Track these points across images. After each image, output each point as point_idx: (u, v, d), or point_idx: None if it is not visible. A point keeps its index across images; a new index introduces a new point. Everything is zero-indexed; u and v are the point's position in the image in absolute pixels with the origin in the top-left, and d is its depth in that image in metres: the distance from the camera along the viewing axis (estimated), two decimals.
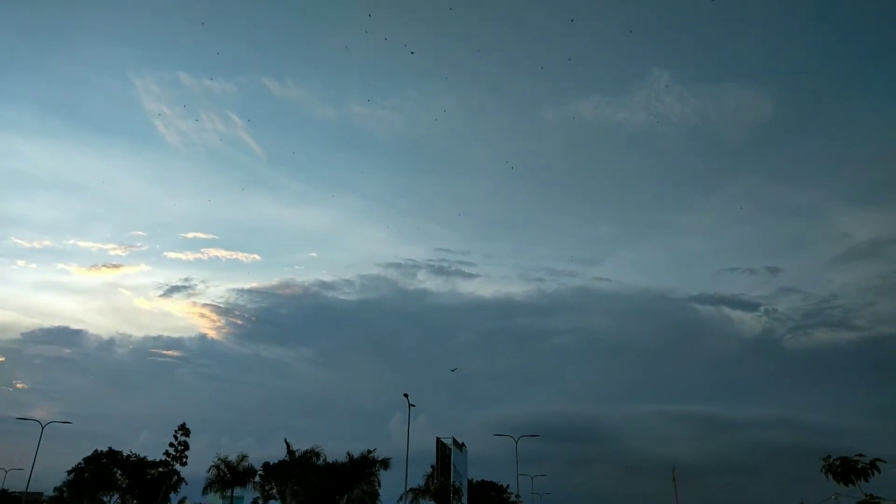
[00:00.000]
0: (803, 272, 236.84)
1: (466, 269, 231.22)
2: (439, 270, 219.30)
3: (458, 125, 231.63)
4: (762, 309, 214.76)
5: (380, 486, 68.57)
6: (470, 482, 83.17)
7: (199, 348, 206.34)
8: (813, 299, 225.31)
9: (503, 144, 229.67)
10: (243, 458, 69.10)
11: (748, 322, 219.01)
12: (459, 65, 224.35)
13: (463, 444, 77.11)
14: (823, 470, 13.20)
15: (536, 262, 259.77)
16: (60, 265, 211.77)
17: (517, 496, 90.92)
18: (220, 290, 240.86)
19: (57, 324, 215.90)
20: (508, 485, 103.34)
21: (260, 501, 75.95)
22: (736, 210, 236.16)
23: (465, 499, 76.09)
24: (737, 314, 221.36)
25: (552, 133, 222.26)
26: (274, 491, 79.33)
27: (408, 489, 66.21)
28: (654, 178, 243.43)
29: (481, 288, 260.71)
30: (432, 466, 72.64)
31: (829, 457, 13.13)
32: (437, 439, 72.66)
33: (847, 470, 12.67)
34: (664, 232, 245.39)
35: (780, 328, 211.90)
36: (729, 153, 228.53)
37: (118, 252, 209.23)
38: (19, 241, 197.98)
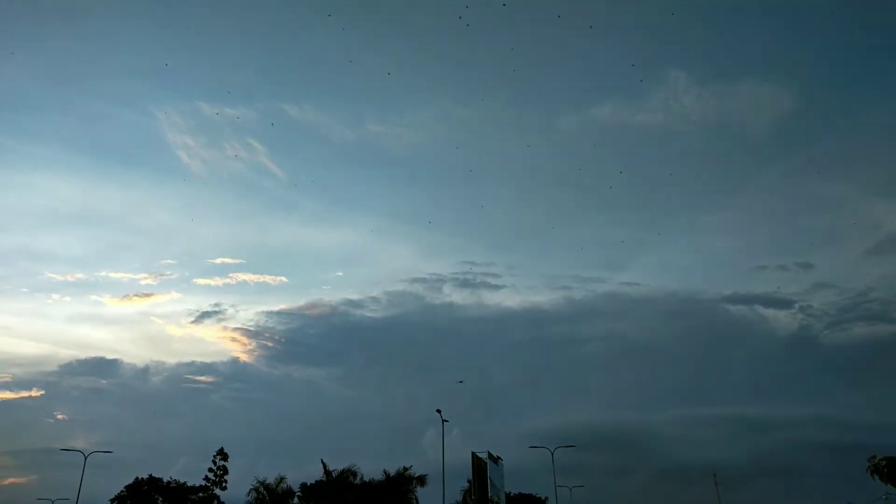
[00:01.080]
0: (837, 266, 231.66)
1: (492, 281, 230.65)
2: (465, 283, 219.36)
3: (475, 137, 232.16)
4: (797, 306, 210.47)
5: (417, 502, 68.63)
6: (508, 495, 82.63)
7: (232, 372, 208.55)
8: (848, 293, 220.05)
9: (522, 153, 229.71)
10: (281, 479, 69.66)
11: (783, 320, 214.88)
12: (474, 77, 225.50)
13: (499, 458, 76.73)
14: (869, 470, 13.18)
15: (562, 270, 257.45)
16: (93, 297, 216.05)
17: None
18: (249, 313, 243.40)
19: (93, 354, 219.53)
20: (546, 497, 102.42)
21: None
22: (763, 207, 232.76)
23: None
24: (770, 312, 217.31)
25: (571, 139, 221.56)
26: None
27: None
28: (676, 179, 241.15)
29: (508, 299, 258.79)
30: (469, 481, 72.41)
31: (875, 457, 13.10)
32: (473, 454, 72.44)
33: (894, 470, 12.63)
34: (691, 233, 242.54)
35: (817, 325, 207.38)
36: (752, 150, 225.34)
37: (148, 281, 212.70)
38: (52, 275, 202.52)
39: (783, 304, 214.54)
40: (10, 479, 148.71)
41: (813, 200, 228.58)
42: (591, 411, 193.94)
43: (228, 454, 73.22)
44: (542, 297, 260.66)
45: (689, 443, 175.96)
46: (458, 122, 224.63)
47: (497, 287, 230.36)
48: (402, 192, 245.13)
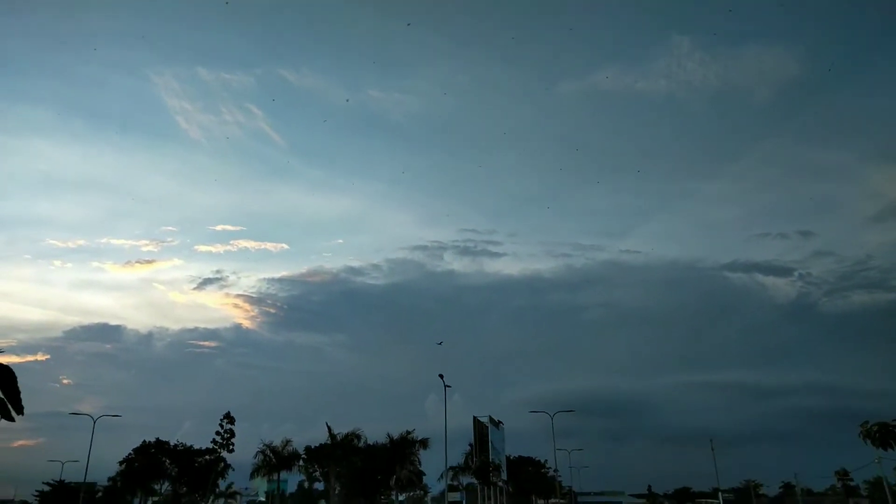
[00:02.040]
0: (837, 234, 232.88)
1: (493, 249, 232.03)
2: (465, 251, 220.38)
3: (474, 103, 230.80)
4: (796, 273, 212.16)
5: (420, 465, 70.20)
6: (508, 458, 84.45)
7: (235, 338, 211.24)
8: (848, 261, 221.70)
9: (521, 120, 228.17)
10: (287, 442, 71.21)
11: (782, 288, 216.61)
12: (473, 42, 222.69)
13: (500, 422, 78.25)
14: (861, 435, 13.71)
15: (562, 238, 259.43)
16: (95, 263, 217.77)
17: (555, 470, 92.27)
18: (251, 280, 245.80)
19: (96, 320, 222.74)
20: (546, 460, 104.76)
21: (306, 484, 78.30)
22: (764, 175, 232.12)
23: (504, 475, 77.41)
24: (770, 280, 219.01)
25: (571, 106, 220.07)
26: (318, 473, 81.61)
27: (448, 467, 67.67)
28: (678, 146, 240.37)
29: (508, 266, 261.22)
30: (470, 445, 73.96)
31: (867, 422, 13.62)
32: (474, 418, 73.86)
33: (885, 435, 13.16)
34: (691, 201, 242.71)
35: (816, 292, 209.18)
36: (754, 116, 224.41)
37: (150, 248, 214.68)
38: (54, 241, 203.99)
39: (783, 271, 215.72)
40: (20, 442, 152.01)
41: (814, 168, 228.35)
42: (590, 377, 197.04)
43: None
44: (543, 265, 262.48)
45: (687, 409, 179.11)
46: (457, 88, 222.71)
47: (498, 255, 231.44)
48: (403, 158, 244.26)
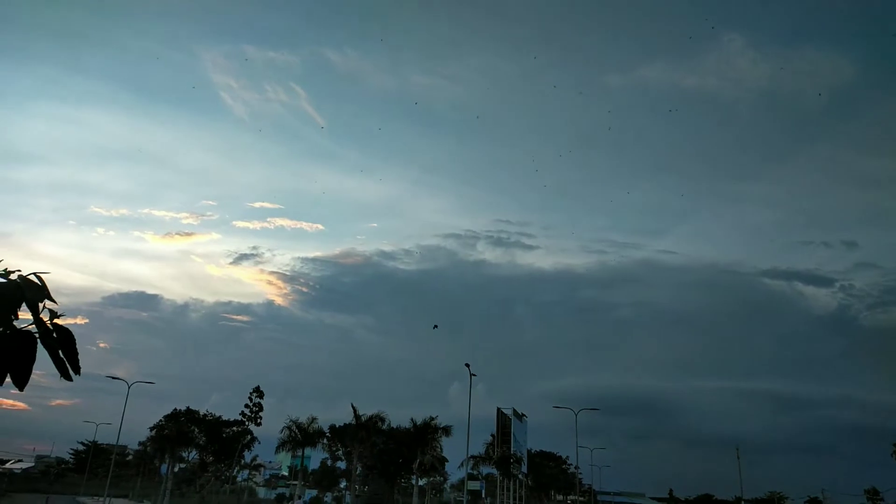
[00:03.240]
0: (882, 246, 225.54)
1: (526, 241, 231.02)
2: (498, 242, 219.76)
3: (518, 94, 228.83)
4: (837, 284, 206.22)
5: (441, 451, 70.83)
6: (529, 452, 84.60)
7: (267, 314, 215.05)
8: (892, 275, 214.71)
9: (564, 112, 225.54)
10: (313, 420, 72.42)
11: (822, 298, 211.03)
12: (520, 32, 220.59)
13: (523, 415, 78.34)
14: (894, 455, 13.43)
15: (598, 234, 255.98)
16: (136, 233, 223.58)
17: (576, 467, 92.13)
18: (285, 258, 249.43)
19: (134, 288, 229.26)
20: (567, 456, 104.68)
21: (328, 462, 79.71)
22: (810, 180, 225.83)
23: (524, 467, 77.61)
24: (810, 290, 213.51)
25: (616, 100, 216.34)
26: (340, 452, 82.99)
27: (469, 456, 68.13)
28: (723, 145, 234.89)
29: (541, 260, 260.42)
30: (492, 435, 74.25)
31: None
32: (498, 409, 74.07)
33: None
34: (733, 203, 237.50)
35: (857, 305, 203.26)
36: (804, 119, 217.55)
37: (189, 221, 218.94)
38: (98, 209, 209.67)
39: (824, 281, 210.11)
40: (58, 401, 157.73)
41: (862, 176, 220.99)
42: (618, 376, 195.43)
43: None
44: (576, 260, 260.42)
45: (714, 414, 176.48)
46: (501, 76, 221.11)
47: (531, 247, 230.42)
48: (441, 146, 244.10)
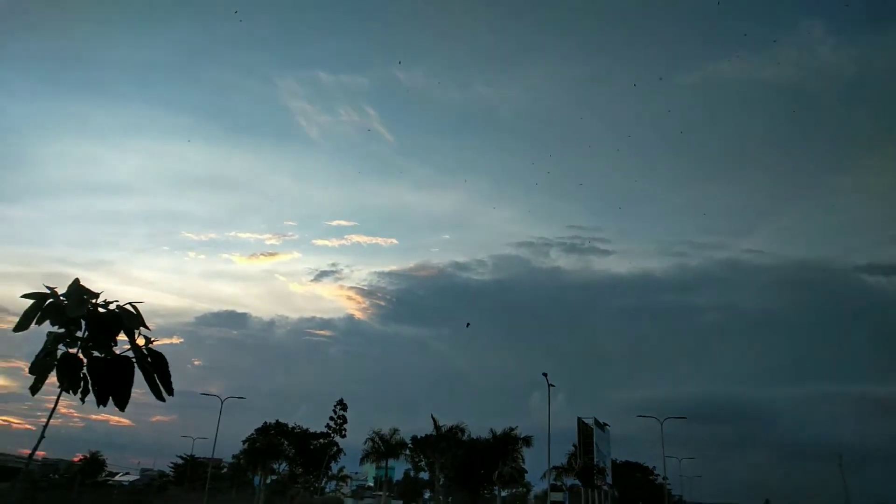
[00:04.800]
0: None
1: (601, 246, 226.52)
2: (572, 248, 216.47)
3: (585, 97, 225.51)
4: None
5: (523, 462, 70.42)
6: (614, 462, 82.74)
7: (348, 328, 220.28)
8: None
9: (633, 114, 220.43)
10: (395, 431, 73.71)
11: None
12: (584, 34, 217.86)
13: (605, 424, 76.85)
14: None
15: (676, 236, 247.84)
16: (224, 255, 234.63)
17: (664, 478, 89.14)
18: (363, 273, 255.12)
19: (224, 308, 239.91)
20: (654, 466, 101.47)
21: (411, 473, 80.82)
22: None
23: (609, 478, 75.96)
24: None
25: (688, 97, 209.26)
26: (423, 463, 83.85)
27: (551, 467, 67.39)
28: (807, 137, 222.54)
29: (617, 264, 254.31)
30: (574, 445, 73.20)
31: None
32: (579, 419, 73.03)
33: None
34: (822, 196, 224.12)
35: None
36: (894, 105, 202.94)
37: (272, 241, 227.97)
38: (188, 234, 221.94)
39: None
40: (157, 417, 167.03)
41: None
42: (704, 383, 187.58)
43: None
44: (654, 264, 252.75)
45: (812, 421, 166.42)
46: (568, 80, 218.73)
47: (606, 252, 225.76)
48: (510, 155, 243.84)
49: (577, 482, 77.15)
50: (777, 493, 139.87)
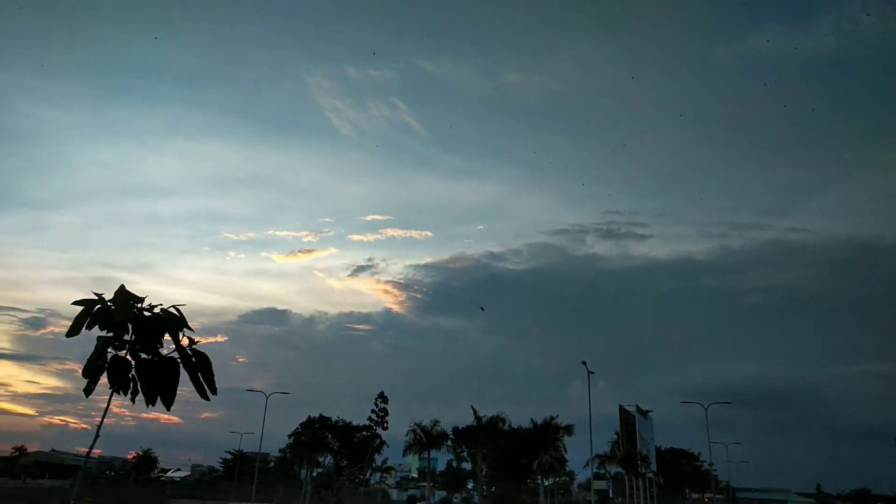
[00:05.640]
0: None
1: (638, 231, 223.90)
2: (608, 234, 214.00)
3: (617, 78, 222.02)
4: None
5: (565, 451, 70.25)
6: (658, 449, 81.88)
7: (386, 321, 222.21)
8: None
9: (668, 93, 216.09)
10: (436, 423, 74.29)
11: None
12: (613, 14, 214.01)
13: (648, 411, 76.11)
14: None
15: (717, 217, 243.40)
16: (263, 254, 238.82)
17: (710, 464, 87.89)
18: (399, 266, 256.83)
19: (266, 305, 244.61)
20: (700, 452, 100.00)
21: (454, 463, 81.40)
22: None
23: (653, 466, 75.26)
24: None
25: (724, 73, 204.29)
26: (465, 454, 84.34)
27: (594, 455, 67.10)
28: (851, 110, 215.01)
29: (656, 249, 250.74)
30: (616, 433, 72.68)
31: None
32: (620, 407, 72.47)
33: None
34: (868, 171, 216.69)
35: None
36: None
37: (309, 238, 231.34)
38: (228, 234, 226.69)
39: None
40: (206, 414, 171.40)
41: None
42: (750, 366, 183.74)
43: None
44: (695, 247, 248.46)
45: (863, 401, 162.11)
46: (598, 62, 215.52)
47: (644, 237, 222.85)
48: (541, 142, 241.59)
49: (620, 470, 76.65)
50: (829, 477, 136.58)
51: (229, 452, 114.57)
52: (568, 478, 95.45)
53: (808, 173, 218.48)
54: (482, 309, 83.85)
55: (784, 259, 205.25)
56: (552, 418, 67.73)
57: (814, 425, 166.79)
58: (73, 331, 6.73)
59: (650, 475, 73.69)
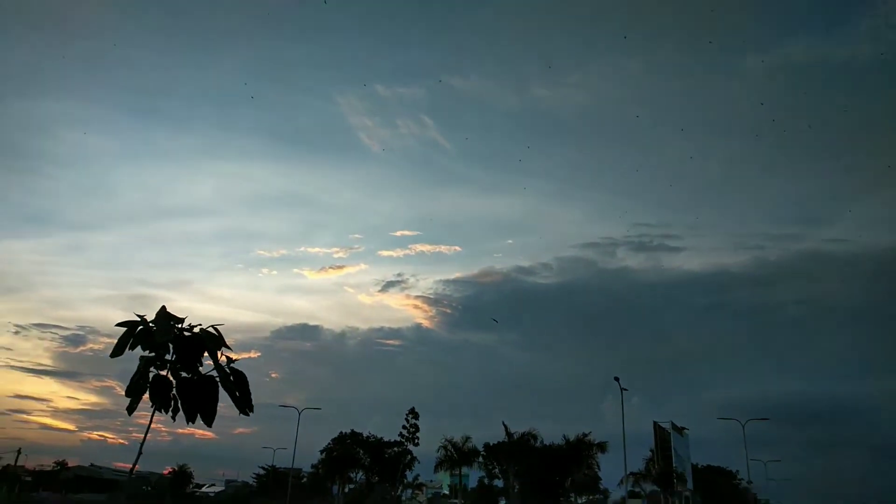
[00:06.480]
0: None
1: (670, 243, 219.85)
2: (640, 246, 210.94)
3: (645, 89, 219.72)
4: None
5: (599, 468, 69.23)
6: (695, 467, 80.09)
7: (416, 337, 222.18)
8: None
9: (699, 103, 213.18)
10: (467, 439, 73.99)
11: None
12: (642, 25, 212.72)
13: (683, 428, 74.65)
14: None
15: (751, 228, 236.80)
16: (295, 270, 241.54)
17: (749, 482, 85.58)
18: (428, 282, 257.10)
19: (298, 321, 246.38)
20: (738, 470, 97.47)
21: (486, 480, 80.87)
22: None
23: (690, 484, 73.62)
24: None
25: (756, 83, 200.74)
26: (497, 470, 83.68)
27: (628, 473, 65.99)
28: (890, 116, 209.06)
29: (689, 261, 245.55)
30: (651, 450, 71.36)
31: None
32: (654, 423, 71.23)
33: None
34: None
35: None
36: None
37: (340, 254, 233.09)
38: (262, 252, 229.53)
39: None
40: (240, 429, 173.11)
41: None
42: (789, 381, 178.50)
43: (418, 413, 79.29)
44: (729, 259, 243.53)
45: None
46: (626, 74, 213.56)
47: (676, 249, 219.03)
48: (570, 155, 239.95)
49: (656, 488, 75.15)
50: (874, 496, 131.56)
51: (262, 468, 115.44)
52: (602, 496, 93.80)
53: (845, 183, 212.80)
54: (495, 321, 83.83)
55: (822, 271, 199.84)
56: (585, 435, 66.92)
57: (858, 442, 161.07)
58: (117, 351, 7.02)
59: (687, 493, 72.06)
